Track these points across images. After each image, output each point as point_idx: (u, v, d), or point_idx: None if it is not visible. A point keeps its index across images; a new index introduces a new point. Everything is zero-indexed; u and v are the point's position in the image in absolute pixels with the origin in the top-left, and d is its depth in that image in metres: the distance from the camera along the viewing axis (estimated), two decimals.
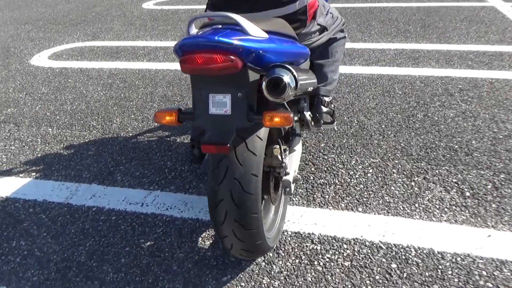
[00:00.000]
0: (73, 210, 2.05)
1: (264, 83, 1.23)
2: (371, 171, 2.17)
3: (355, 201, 1.97)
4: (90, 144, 2.63)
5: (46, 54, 4.42)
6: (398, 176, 2.12)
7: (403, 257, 1.65)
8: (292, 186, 1.61)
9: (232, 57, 1.16)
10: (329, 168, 2.21)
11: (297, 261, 1.67)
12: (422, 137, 2.44)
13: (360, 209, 1.92)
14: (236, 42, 1.16)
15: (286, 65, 1.24)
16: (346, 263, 1.64)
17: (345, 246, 1.72)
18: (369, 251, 1.69)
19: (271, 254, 1.71)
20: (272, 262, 1.67)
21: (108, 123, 2.87)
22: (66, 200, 2.13)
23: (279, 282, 1.59)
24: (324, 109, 1.90)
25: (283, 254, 1.71)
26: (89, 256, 1.77)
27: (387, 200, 1.96)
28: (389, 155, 2.29)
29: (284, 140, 1.73)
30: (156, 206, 2.03)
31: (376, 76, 3.32)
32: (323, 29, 1.83)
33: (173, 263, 1.70)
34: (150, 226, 1.91)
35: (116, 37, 4.83)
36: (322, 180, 2.13)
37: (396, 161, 2.23)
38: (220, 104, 1.28)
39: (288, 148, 1.68)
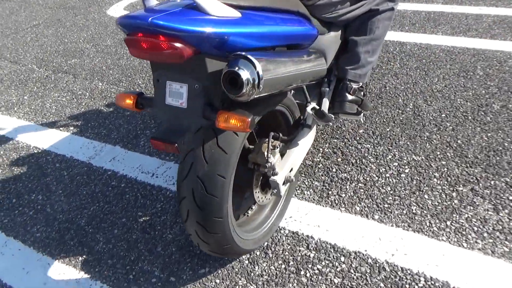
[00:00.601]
0: (91, 171, 2.10)
1: (222, 77, 1.02)
2: (407, 170, 1.83)
3: (374, 205, 1.69)
4: None
5: (123, 5, 4.53)
6: (438, 181, 1.75)
7: (406, 286, 1.38)
8: (282, 187, 1.40)
9: (176, 44, 0.96)
10: (358, 161, 1.93)
11: (283, 266, 1.50)
12: (489, 134, 1.98)
13: (376, 217, 1.64)
14: (178, 25, 0.95)
15: (250, 57, 1.01)
16: (336, 280, 1.43)
17: (342, 259, 1.50)
18: (368, 271, 1.44)
19: (258, 253, 1.56)
20: (256, 262, 1.53)
21: (151, 84, 2.86)
22: (89, 159, 2.19)
23: (254, 287, 1.45)
24: (349, 97, 1.60)
25: (270, 256, 1.55)
26: (89, 221, 1.80)
27: (414, 211, 1.64)
28: (438, 153, 1.91)
29: (285, 132, 1.50)
30: (164, 179, 1.98)
31: (458, 50, 2.77)
32: None
33: (159, 244, 1.65)
34: (152, 199, 1.87)
35: None
36: (345, 175, 1.86)
37: (444, 162, 1.85)
38: (177, 94, 1.11)
39: (282, 144, 1.45)
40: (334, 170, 1.89)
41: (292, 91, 1.61)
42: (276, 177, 1.36)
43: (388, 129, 2.10)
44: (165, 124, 1.15)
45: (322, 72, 1.37)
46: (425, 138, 2.01)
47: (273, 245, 1.58)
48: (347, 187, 1.79)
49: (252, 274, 1.49)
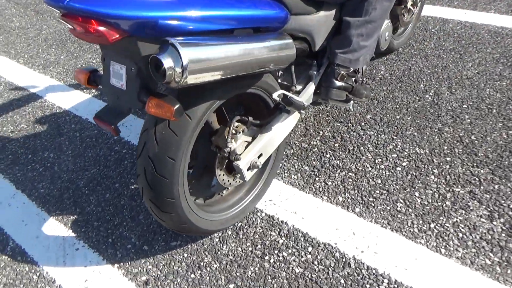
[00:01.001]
0: (100, 134, 2.21)
1: (149, 62, 1.00)
2: (404, 164, 1.71)
3: (359, 197, 1.61)
4: None
5: None
6: (436, 179, 1.62)
7: (367, 285, 1.32)
8: (247, 173, 1.38)
9: (100, 28, 0.95)
10: (355, 148, 1.83)
11: (250, 249, 1.50)
12: (510, 132, 1.77)
13: (357, 210, 1.57)
14: (94, 8, 0.92)
15: (175, 44, 0.97)
16: (298, 270, 1.41)
17: (309, 249, 1.46)
18: (333, 265, 1.40)
19: (229, 232, 1.57)
20: (225, 242, 1.54)
21: None
22: None
23: (218, 265, 1.47)
24: (337, 83, 1.50)
25: (241, 237, 1.55)
26: (87, 183, 1.92)
27: (398, 208, 1.54)
28: (444, 148, 1.75)
29: (257, 115, 1.45)
30: None
31: (507, 31, 2.46)
32: None
33: (142, 212, 1.72)
34: None
35: None
36: (337, 162, 1.78)
37: (448, 159, 1.70)
38: (118, 75, 1.10)
39: (253, 128, 1.40)
40: (328, 156, 1.82)
41: (280, 73, 1.55)
42: (239, 162, 1.34)
43: (398, 117, 1.96)
44: (109, 104, 1.17)
45: (289, 57, 1.28)
46: (436, 130, 1.85)
47: (246, 227, 1.58)
48: (336, 175, 1.72)
49: (219, 252, 1.51)
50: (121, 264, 1.54)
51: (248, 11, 1.12)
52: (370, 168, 1.72)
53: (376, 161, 1.75)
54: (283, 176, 1.76)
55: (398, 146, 1.80)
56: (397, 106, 2.02)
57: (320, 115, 2.05)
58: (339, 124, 1.98)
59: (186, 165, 1.24)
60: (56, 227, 1.73)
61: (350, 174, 1.72)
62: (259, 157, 1.41)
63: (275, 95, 1.33)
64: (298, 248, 1.47)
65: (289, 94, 1.35)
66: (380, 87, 2.17)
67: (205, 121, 1.24)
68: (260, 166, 1.40)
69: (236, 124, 1.34)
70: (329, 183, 1.69)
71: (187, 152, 1.22)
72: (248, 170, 1.38)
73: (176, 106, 1.02)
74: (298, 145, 1.90)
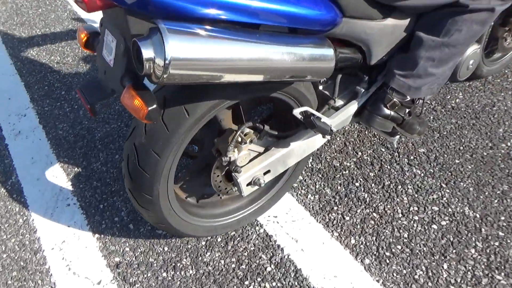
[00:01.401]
0: None
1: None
2: (444, 223, 1.41)
3: (374, 247, 1.36)
4: None
5: None
6: (475, 254, 1.32)
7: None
8: (244, 188, 1.17)
9: None
10: (392, 186, 1.55)
11: (232, 266, 1.34)
12: None
13: (366, 261, 1.32)
14: None
15: (162, 29, 0.76)
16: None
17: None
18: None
19: (219, 239, 1.41)
20: (210, 248, 1.39)
21: None
22: None
23: (194, 272, 1.32)
24: (385, 111, 1.22)
25: (229, 248, 1.38)
26: (103, 137, 1.83)
27: (416, 276, 1.28)
28: (501, 218, 1.42)
29: (283, 120, 1.22)
30: None
31: None
32: None
33: None
34: None
35: None
36: (365, 195, 1.52)
37: (501, 234, 1.37)
38: (109, 48, 0.93)
39: (261, 138, 1.17)
40: (357, 184, 1.56)
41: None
42: (238, 175, 1.14)
43: (457, 161, 1.62)
44: (97, 77, 1.01)
45: (322, 72, 1.02)
46: (498, 193, 1.50)
47: (238, 239, 1.41)
48: (358, 210, 1.47)
49: (200, 258, 1.36)
50: (102, 236, 1.45)
51: (278, 4, 0.87)
52: (400, 215, 1.45)
53: (411, 208, 1.47)
54: (299, 192, 1.55)
55: (444, 198, 1.49)
56: (461, 148, 1.68)
57: (366, 132, 1.77)
58: (383, 150, 1.69)
59: (175, 164, 1.07)
60: (58, 175, 1.68)
61: (374, 214, 1.46)
62: (265, 173, 1.20)
63: (296, 112, 1.09)
64: (284, 284, 1.28)
65: (315, 113, 1.11)
66: (449, 118, 1.81)
67: (209, 119, 1.05)
68: (263, 185, 1.19)
69: (247, 131, 1.13)
70: (347, 218, 1.45)
71: (178, 151, 1.04)
72: (248, 185, 1.18)
73: (151, 108, 0.84)
74: (329, 161, 1.65)
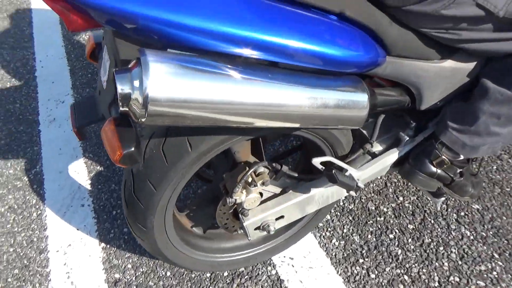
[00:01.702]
0: None
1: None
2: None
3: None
4: None
5: None
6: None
7: None
8: (251, 232, 1.02)
9: (72, 15, 0.65)
10: (432, 245, 1.33)
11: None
12: None
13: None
14: None
15: (146, 59, 0.63)
16: None
17: None
18: None
19: (226, 274, 1.29)
20: (215, 283, 1.27)
21: None
22: None
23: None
24: (430, 168, 1.01)
25: (227, 284, 1.26)
26: None
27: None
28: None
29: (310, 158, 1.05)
30: None
31: None
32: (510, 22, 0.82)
33: None
34: None
35: None
36: (399, 251, 1.32)
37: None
38: (105, 68, 0.82)
39: (277, 178, 1.01)
40: (391, 236, 1.36)
41: None
42: (244, 218, 1.00)
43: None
44: (94, 95, 0.91)
45: (352, 121, 0.83)
46: None
47: (246, 277, 1.28)
48: (387, 269, 1.28)
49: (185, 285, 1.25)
50: (107, 246, 1.38)
51: (302, 42, 0.70)
52: (436, 284, 1.23)
53: (451, 278, 1.25)
54: (323, 234, 1.38)
55: (494, 272, 1.25)
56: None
57: None
58: (429, 199, 1.46)
59: (174, 198, 0.96)
60: (80, 171, 1.64)
61: (405, 277, 1.25)
62: (278, 218, 1.04)
63: (315, 161, 0.92)
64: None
65: (340, 164, 0.93)
66: None
67: (219, 152, 0.91)
68: (273, 232, 1.04)
69: (261, 170, 0.97)
70: (372, 276, 1.26)
71: (177, 187, 0.92)
72: (256, 229, 1.03)
73: (127, 151, 0.72)
74: (364, 202, 1.46)
